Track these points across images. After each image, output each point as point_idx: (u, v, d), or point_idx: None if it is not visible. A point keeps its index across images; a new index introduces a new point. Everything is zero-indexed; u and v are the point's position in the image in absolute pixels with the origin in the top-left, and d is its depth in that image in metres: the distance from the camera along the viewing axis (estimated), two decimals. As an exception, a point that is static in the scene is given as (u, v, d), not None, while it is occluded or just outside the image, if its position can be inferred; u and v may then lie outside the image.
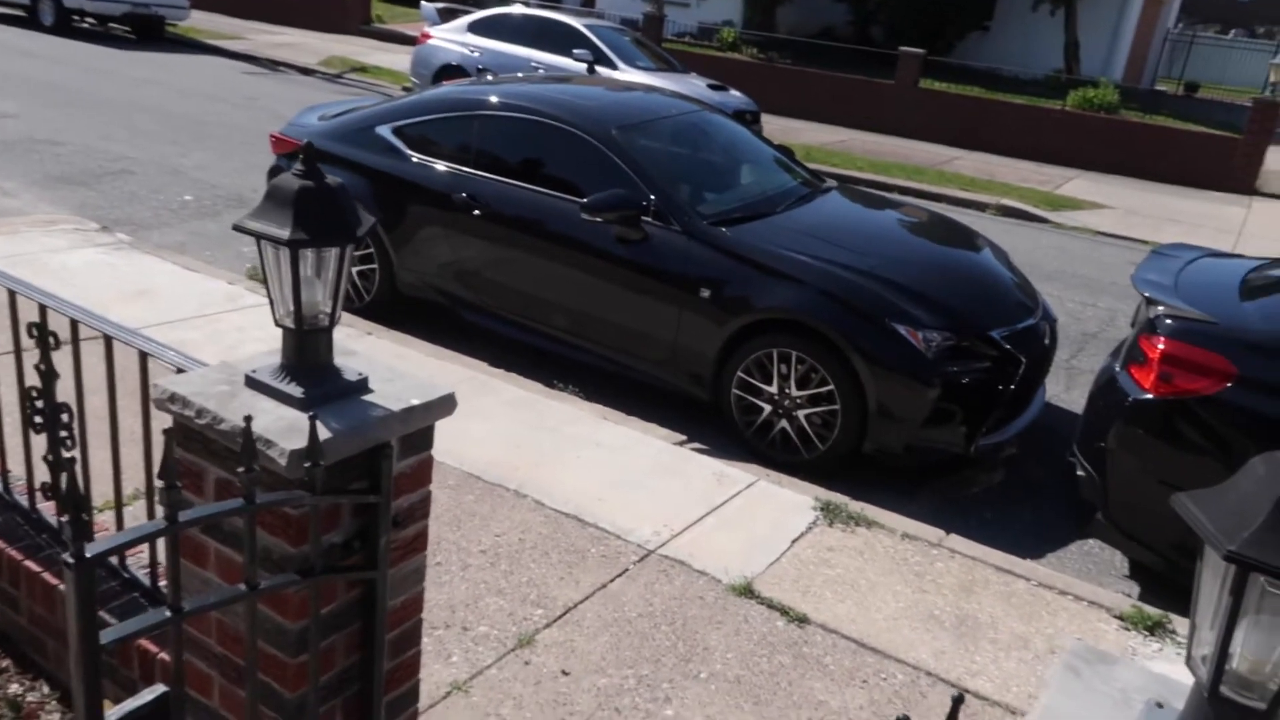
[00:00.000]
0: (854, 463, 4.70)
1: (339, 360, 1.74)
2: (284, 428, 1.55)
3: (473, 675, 2.98)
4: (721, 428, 4.98)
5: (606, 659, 3.12)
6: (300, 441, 1.49)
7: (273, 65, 17.37)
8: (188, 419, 1.61)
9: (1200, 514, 0.95)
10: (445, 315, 5.87)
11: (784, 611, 3.46)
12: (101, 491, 2.74)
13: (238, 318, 5.50)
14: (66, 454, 2.13)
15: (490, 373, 5.27)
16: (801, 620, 3.43)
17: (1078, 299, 8.20)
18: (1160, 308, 4.01)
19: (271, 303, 1.62)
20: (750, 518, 4.08)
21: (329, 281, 1.61)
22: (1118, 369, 4.19)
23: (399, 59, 17.56)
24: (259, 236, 1.53)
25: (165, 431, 1.31)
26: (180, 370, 1.87)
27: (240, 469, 1.34)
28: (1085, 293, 8.41)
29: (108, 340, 2.15)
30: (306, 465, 1.44)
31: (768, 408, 4.76)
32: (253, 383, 1.66)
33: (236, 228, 1.56)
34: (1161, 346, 3.89)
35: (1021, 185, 13.17)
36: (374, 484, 1.64)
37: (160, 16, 18.30)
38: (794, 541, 3.94)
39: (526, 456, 4.36)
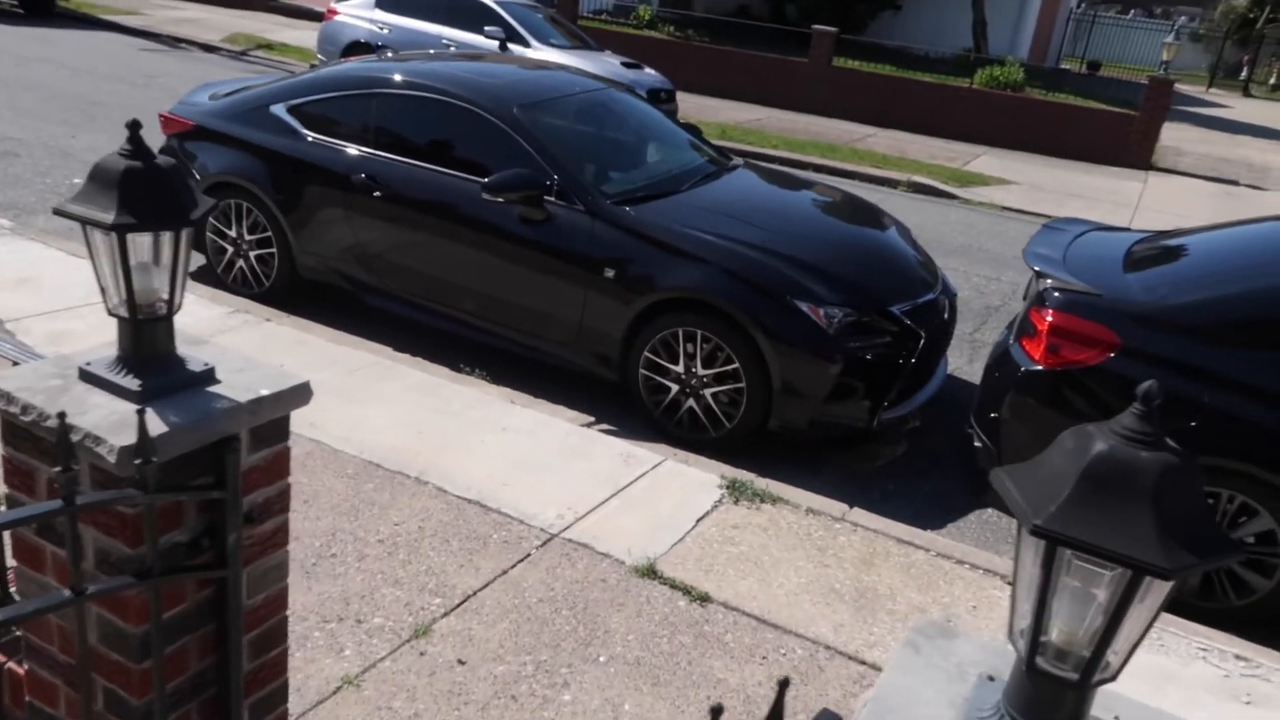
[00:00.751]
0: (761, 439, 4.73)
1: (184, 350, 1.65)
2: (116, 423, 1.47)
3: (365, 668, 2.91)
4: (630, 408, 4.97)
5: (505, 646, 3.08)
6: (131, 437, 1.41)
7: (173, 42, 16.71)
8: (14, 416, 1.52)
9: (1013, 488, 0.95)
10: (348, 300, 5.73)
11: (686, 591, 3.46)
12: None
13: (126, 306, 5.27)
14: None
15: (394, 358, 5.16)
16: (703, 599, 3.44)
17: (982, 273, 8.38)
18: (1049, 281, 4.10)
19: (103, 291, 1.53)
20: (656, 498, 4.08)
21: (165, 267, 1.53)
22: (1010, 342, 4.28)
23: (306, 36, 17.07)
24: (82, 221, 1.44)
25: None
26: (16, 364, 1.75)
27: (57, 469, 1.26)
28: (990, 267, 8.60)
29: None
30: (137, 462, 1.37)
31: (675, 387, 4.76)
32: (87, 376, 1.57)
33: (57, 211, 1.46)
34: (1049, 319, 3.98)
35: (931, 162, 13.40)
36: (220, 479, 1.57)
37: (50, -9, 17.45)
38: (699, 520, 3.95)
39: (429, 442, 4.28)
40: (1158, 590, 0.93)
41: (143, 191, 1.44)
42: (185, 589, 1.62)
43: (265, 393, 1.61)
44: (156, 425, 1.47)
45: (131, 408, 1.49)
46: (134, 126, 1.44)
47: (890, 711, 1.09)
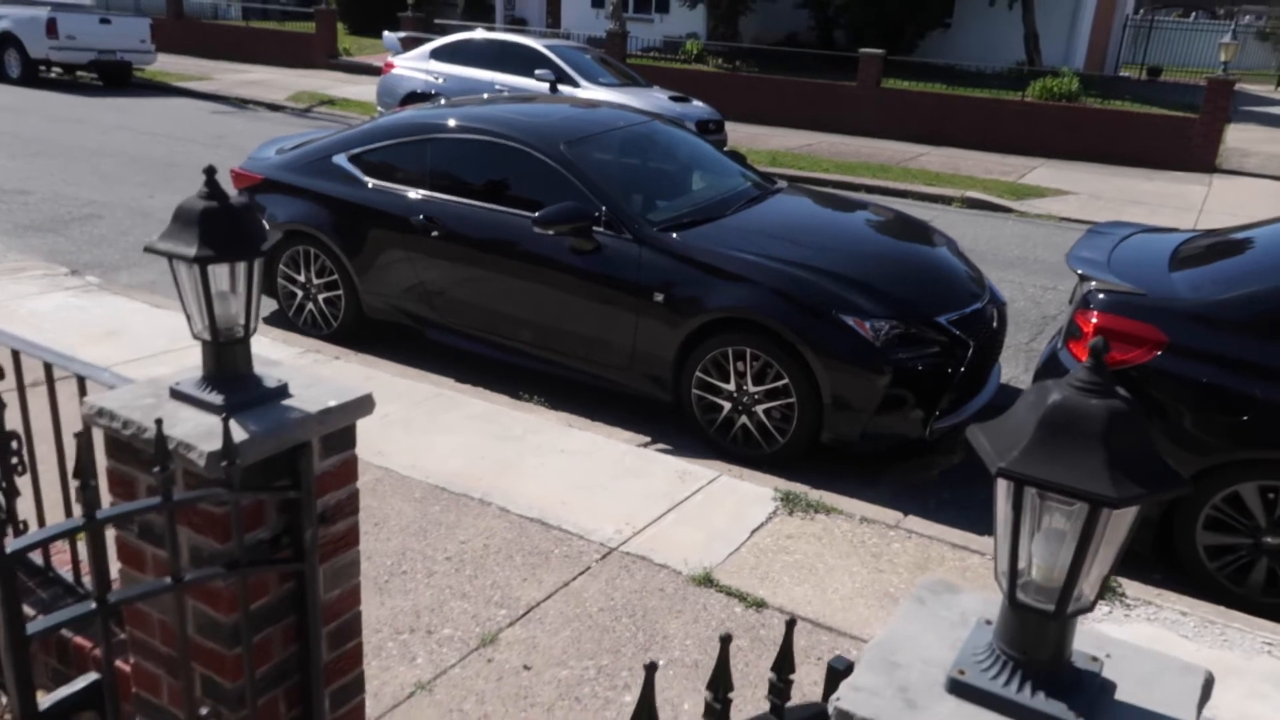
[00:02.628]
0: (815, 453, 4.82)
1: (260, 369, 1.84)
2: (204, 433, 1.65)
3: (436, 675, 3.07)
4: (684, 427, 5.10)
5: (568, 652, 3.22)
6: (217, 444, 1.59)
7: (241, 103, 17.51)
8: (116, 431, 1.72)
9: (983, 438, 1.06)
10: (412, 336, 5.98)
11: (742, 598, 3.56)
12: (58, 516, 2.84)
13: (206, 350, 5.58)
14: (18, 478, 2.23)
15: (457, 388, 5.37)
16: (759, 605, 3.53)
17: (1038, 284, 8.35)
18: (1093, 283, 4.14)
19: (189, 318, 1.73)
20: (711, 511, 4.19)
21: (240, 295, 1.72)
22: (1059, 346, 4.32)
23: (366, 90, 17.72)
24: (169, 256, 1.64)
25: (75, 434, 1.41)
26: (112, 388, 1.97)
27: (155, 469, 1.45)
28: (1046, 277, 8.55)
29: (47, 367, 2.25)
30: (223, 464, 1.55)
31: (727, 405, 4.88)
32: (176, 394, 1.76)
33: (148, 249, 1.67)
34: (1095, 320, 4.02)
35: (986, 177, 13.36)
36: (295, 481, 1.74)
37: (126, 62, 18.44)
38: (754, 531, 4.05)
39: (491, 466, 4.46)
40: (1116, 523, 1.03)
41: (219, 228, 1.63)
42: (269, 583, 1.80)
43: (333, 404, 1.79)
44: (239, 433, 1.65)
45: (217, 419, 1.68)
46: (210, 172, 1.64)
47: (892, 652, 1.20)
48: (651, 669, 1.08)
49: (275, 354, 5.63)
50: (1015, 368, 6.29)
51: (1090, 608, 1.09)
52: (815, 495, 4.34)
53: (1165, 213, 11.54)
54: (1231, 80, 14.73)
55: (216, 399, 1.72)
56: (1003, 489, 1.07)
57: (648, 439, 4.93)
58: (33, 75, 17.77)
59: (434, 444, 4.64)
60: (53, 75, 18.66)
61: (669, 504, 4.22)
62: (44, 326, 5.80)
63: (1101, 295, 4.07)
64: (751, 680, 3.14)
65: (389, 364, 5.66)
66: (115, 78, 18.69)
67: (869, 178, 12.88)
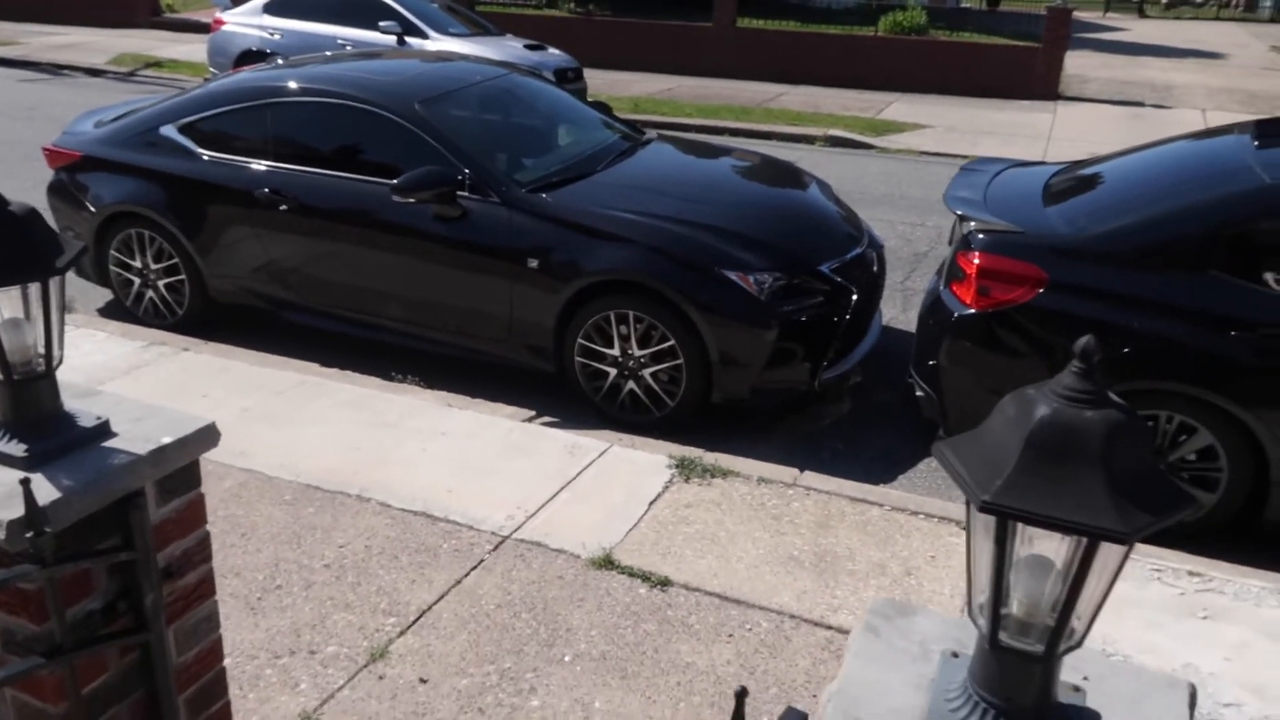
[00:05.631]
0: (706, 414, 4.69)
1: (72, 405, 1.53)
2: (3, 495, 1.35)
3: (323, 700, 2.82)
4: (571, 398, 4.89)
5: (466, 658, 3.01)
6: (19, 509, 1.30)
7: (55, 69, 16.02)
8: (-111, 501, 1.39)
9: (957, 463, 0.90)
10: (268, 320, 5.54)
11: (645, 578, 3.41)
12: None
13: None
14: None
15: (323, 374, 5.00)
16: (664, 584, 3.39)
17: (908, 220, 8.43)
18: (972, 223, 4.11)
19: (-31, 355, 1.41)
20: (606, 486, 4.01)
21: (37, 321, 1.41)
22: (941, 288, 4.29)
23: (197, 50, 16.46)
24: (-69, 283, 1.32)
25: None
26: (-112, 441, 1.62)
27: (-67, 557, 1.15)
28: (914, 213, 8.65)
29: None
30: (29, 535, 1.26)
31: (613, 371, 4.69)
32: (-34, 447, 1.44)
33: (-98, 275, 1.34)
34: (976, 261, 3.99)
35: (845, 114, 13.45)
36: (127, 539, 1.46)
37: (-83, 28, 16.58)
38: (651, 504, 3.90)
39: (367, 457, 4.16)
40: (1116, 553, 0.89)
41: (-2, 243, 1.32)
42: (107, 658, 1.52)
43: (167, 440, 1.50)
44: (48, 492, 1.36)
45: (17, 476, 1.37)
46: (-21, 173, 1.32)
47: (855, 704, 1.04)
48: (741, 695, 0.87)
49: (115, 350, 5.12)
50: (893, 308, 6.31)
51: (1080, 644, 0.96)
52: (710, 459, 4.22)
53: (1018, 142, 11.88)
54: (1069, 8, 15.23)
55: (18, 449, 1.41)
56: (981, 521, 0.91)
57: (533, 413, 4.70)
58: None
59: (303, 438, 4.30)
60: None
61: (561, 482, 4.02)
62: None
63: (981, 235, 4.04)
64: (663, 667, 3.00)
65: (245, 352, 5.22)
66: (-95, 46, 16.81)
67: (732, 120, 12.78)
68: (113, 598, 1.51)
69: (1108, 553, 0.87)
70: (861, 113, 13.66)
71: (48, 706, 1.46)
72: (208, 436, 1.58)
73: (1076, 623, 0.94)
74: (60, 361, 1.48)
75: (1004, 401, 0.93)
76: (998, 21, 22.42)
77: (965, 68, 15.50)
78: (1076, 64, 18.28)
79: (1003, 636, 0.94)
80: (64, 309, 1.45)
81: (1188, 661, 3.09)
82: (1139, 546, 3.67)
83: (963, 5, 28.86)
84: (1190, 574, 3.54)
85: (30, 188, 8.62)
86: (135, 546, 1.46)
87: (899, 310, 6.30)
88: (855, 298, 4.75)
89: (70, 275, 5.46)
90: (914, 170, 10.56)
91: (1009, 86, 15.19)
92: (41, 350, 1.45)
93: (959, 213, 4.21)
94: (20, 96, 13.39)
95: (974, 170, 4.81)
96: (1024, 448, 0.85)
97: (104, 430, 1.51)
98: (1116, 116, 13.86)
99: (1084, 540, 0.85)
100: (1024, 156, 9.65)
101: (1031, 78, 15.12)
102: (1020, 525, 0.88)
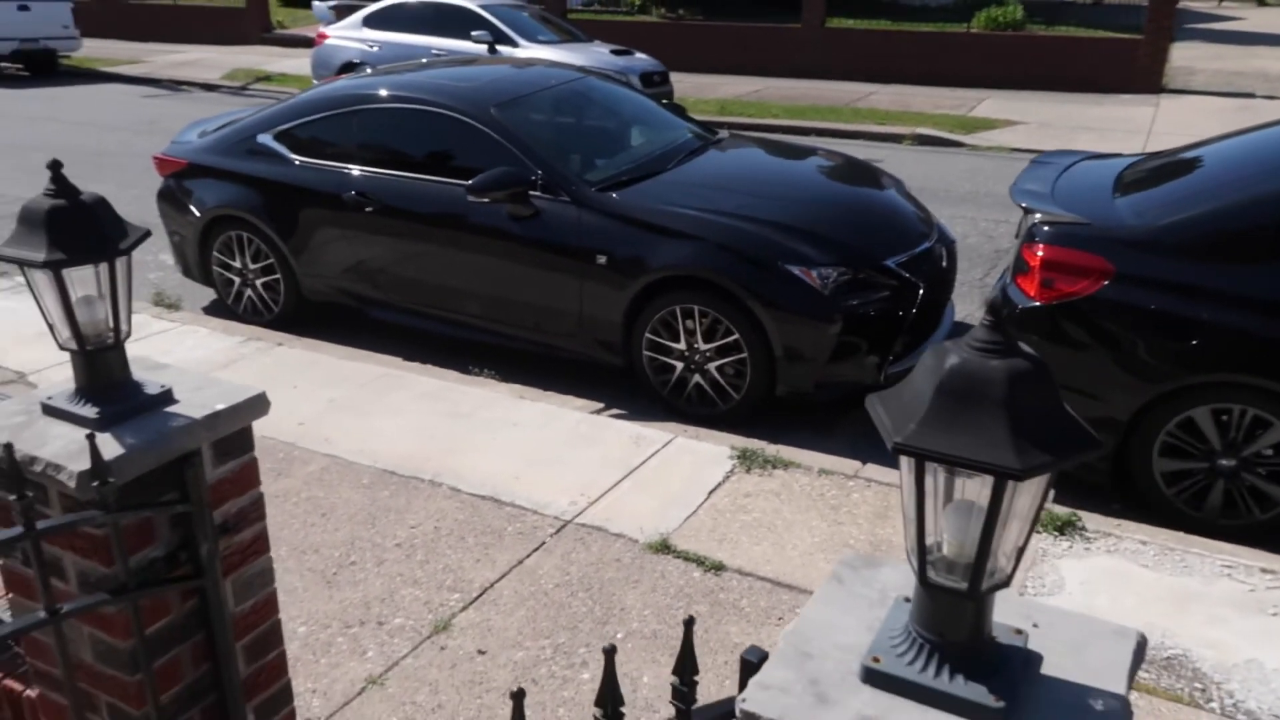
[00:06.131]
0: (770, 407, 4.75)
1: (140, 375, 1.72)
2: (75, 451, 1.54)
3: (388, 667, 2.99)
4: (638, 391, 5.01)
5: (523, 633, 3.14)
6: (88, 463, 1.47)
7: (174, 85, 16.99)
8: (-17, 454, 1.59)
9: (881, 411, 0.98)
10: (355, 316, 5.82)
11: (700, 562, 3.50)
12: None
13: (143, 346, 5.41)
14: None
15: (404, 367, 5.24)
16: (718, 568, 3.47)
17: (991, 217, 8.30)
18: (1037, 215, 4.07)
19: (51, 328, 1.60)
20: (667, 475, 4.11)
21: (107, 298, 1.59)
22: (1008, 281, 4.25)
23: (304, 64, 17.22)
24: (17, 262, 1.51)
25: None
26: (-10, 406, 1.83)
27: (13, 496, 1.33)
28: (998, 211, 8.50)
29: (-76, 387, 2.11)
30: (95, 484, 1.43)
31: (679, 365, 4.79)
32: (49, 409, 1.64)
33: (-3, 256, 1.53)
34: (1040, 253, 3.95)
35: (935, 112, 13.26)
36: (184, 494, 1.63)
37: (51, 50, 17.80)
38: (711, 492, 3.98)
39: (441, 445, 4.35)
40: (1026, 492, 0.95)
41: (70, 228, 1.50)
42: (169, 602, 1.69)
43: (221, 407, 1.67)
44: (113, 448, 1.53)
45: (86, 434, 1.55)
46: (55, 166, 1.50)
47: (806, 640, 1.12)
48: (611, 652, 0.99)
49: (215, 345, 5.47)
50: (970, 304, 6.24)
51: (1007, 582, 1.02)
52: (772, 450, 4.28)
53: (1115, 137, 11.52)
54: (1174, -1, 14.67)
55: (90, 412, 1.60)
56: (905, 464, 0.98)
57: (601, 405, 4.84)
58: (-47, 70, 17.13)
59: (382, 426, 4.52)
60: (-25, 69, 18.00)
61: (624, 470, 4.14)
62: (-30, 333, 5.58)
63: (1046, 227, 4.00)
64: (712, 647, 3.08)
65: (334, 346, 5.51)
66: (40, 67, 18.05)
67: (819, 120, 12.74)
68: (174, 548, 1.69)
69: (1017, 491, 0.93)
70: (952, 110, 13.44)
71: (116, 642, 1.64)
72: (258, 405, 1.75)
73: (1002, 560, 1.00)
74: (128, 334, 1.66)
75: (924, 354, 1.00)
76: (1102, 14, 21.69)
77: (1062, 62, 15.08)
78: (1184, 55, 17.57)
79: (931, 574, 1.01)
80: (130, 288, 1.63)
81: (1251, 657, 3.02)
82: (1209, 543, 3.59)
83: (1063, 0, 27.95)
84: (1263, 570, 3.44)
85: (145, 195, 9.20)
86: (190, 500, 1.63)
87: (975, 307, 6.22)
88: (922, 292, 4.73)
89: (178, 276, 5.80)
90: (1002, 167, 10.35)
91: (1109, 80, 14.72)
92: (111, 325, 1.64)
93: (1024, 205, 4.17)
94: (142, 111, 14.25)
95: (1045, 163, 4.74)
96: (935, 393, 0.92)
97: (167, 397, 1.69)
98: (1224, 109, 13.29)
99: (991, 479, 0.92)
100: (1121, 151, 9.38)
101: (1133, 71, 14.62)
102: (939, 469, 0.95)
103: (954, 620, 1.03)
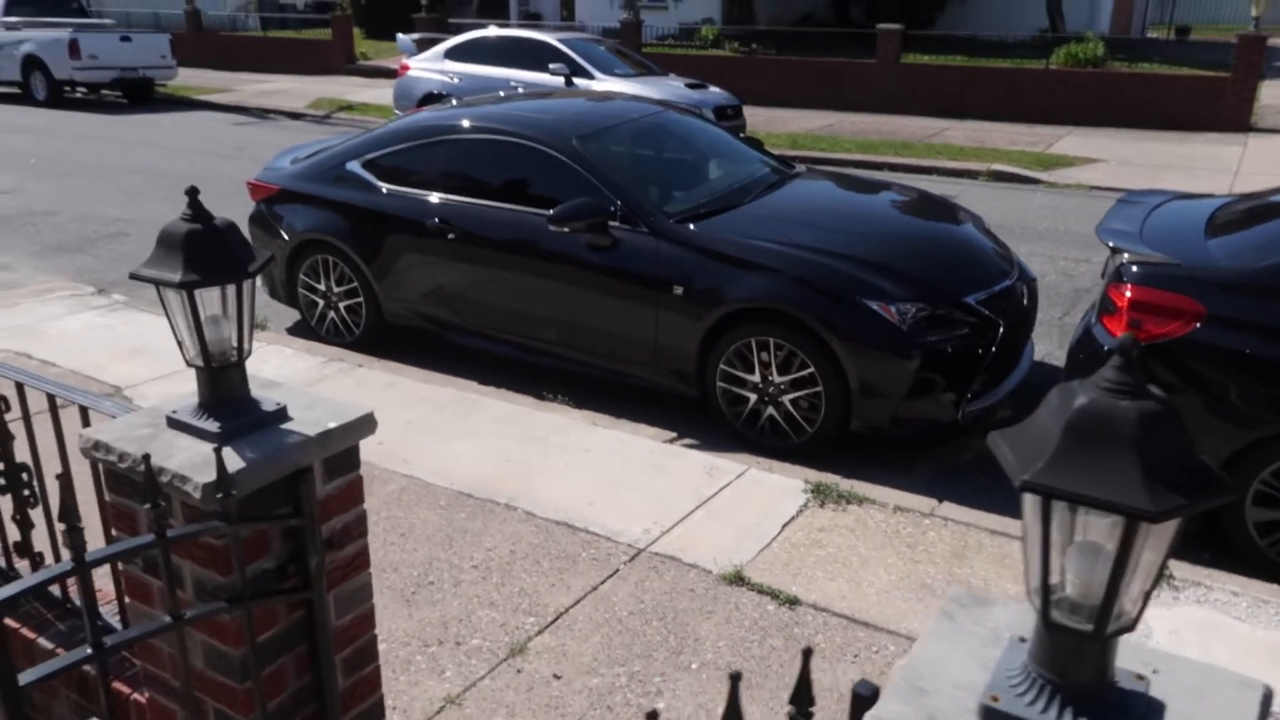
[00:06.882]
0: (845, 442, 4.72)
1: (258, 392, 1.79)
2: (199, 463, 1.61)
3: (466, 688, 3.03)
4: (711, 421, 5.02)
5: (598, 659, 3.16)
6: (213, 474, 1.54)
7: (262, 114, 17.60)
8: (113, 464, 1.67)
9: (1005, 448, 0.98)
10: (434, 340, 5.95)
11: (774, 595, 3.48)
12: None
13: (230, 364, 5.58)
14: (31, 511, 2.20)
15: (480, 391, 5.33)
16: (792, 602, 3.45)
17: (1069, 256, 8.16)
18: (1125, 255, 4.01)
19: (180, 345, 1.68)
20: (740, 507, 4.11)
21: (232, 318, 1.67)
22: (1092, 321, 4.19)
23: (385, 94, 17.72)
24: (154, 283, 1.59)
25: (57, 476, 1.36)
26: (114, 417, 1.92)
27: (146, 505, 1.40)
28: (1077, 249, 8.36)
29: (51, 399, 2.22)
30: (219, 496, 1.50)
31: (753, 396, 4.79)
32: (173, 423, 1.72)
33: (133, 276, 1.62)
34: (1129, 294, 3.88)
35: (1011, 149, 13.11)
36: (297, 508, 1.69)
37: (149, 78, 18.60)
38: (784, 526, 3.96)
39: (516, 469, 4.41)
40: (1157, 535, 0.94)
41: (205, 250, 1.58)
42: (277, 613, 1.75)
43: (333, 425, 1.73)
44: (235, 462, 1.60)
45: (211, 447, 1.62)
46: (193, 193, 1.59)
47: (921, 677, 1.12)
48: (736, 678, 1.00)
49: (299, 364, 5.62)
50: (1049, 344, 6.14)
51: (1132, 626, 1.01)
52: (846, 485, 4.25)
53: (1200, 176, 11.26)
54: (1263, 36, 14.33)
55: (212, 426, 1.67)
56: (1030, 502, 0.99)
57: (674, 434, 4.85)
58: (58, 96, 17.96)
59: (458, 449, 4.60)
60: (78, 95, 18.86)
61: (697, 500, 4.15)
62: (71, 346, 5.83)
63: (1135, 268, 3.93)
64: (786, 683, 3.06)
65: (412, 369, 5.63)
66: (138, 94, 18.87)
67: (892, 156, 12.68)
68: (284, 560, 1.75)
69: (1149, 534, 0.93)
70: (1029, 147, 13.27)
71: (228, 649, 1.70)
72: (367, 424, 1.81)
73: (1128, 604, 0.99)
74: (250, 353, 1.74)
75: (1051, 393, 1.00)
76: (1185, 51, 21.27)
77: (1144, 99, 14.82)
78: (1274, 94, 17.12)
79: (1055, 614, 1.01)
80: (254, 309, 1.71)
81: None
82: (1242, 580, 3.46)
83: (1149, 36, 27.52)
84: (1363, 629, 3.30)
85: (236, 219, 9.53)
86: (304, 514, 1.69)
87: (1055, 346, 6.11)
88: (1002, 330, 4.68)
89: (264, 298, 6.03)
90: (1081, 205, 10.18)
91: (1194, 119, 14.41)
92: (235, 343, 1.71)
93: (1111, 244, 4.10)
94: (231, 138, 14.79)
95: (1132, 202, 4.67)
96: (1064, 432, 0.93)
97: (282, 414, 1.76)
98: (1316, 148, 12.91)
99: (1123, 521, 0.91)
100: (1207, 190, 9.15)
101: (1220, 109, 14.29)
102: (1063, 506, 0.95)
103: (1077, 661, 1.02)
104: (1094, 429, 0.92)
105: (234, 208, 9.85)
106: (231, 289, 1.64)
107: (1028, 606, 1.22)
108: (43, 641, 2.30)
